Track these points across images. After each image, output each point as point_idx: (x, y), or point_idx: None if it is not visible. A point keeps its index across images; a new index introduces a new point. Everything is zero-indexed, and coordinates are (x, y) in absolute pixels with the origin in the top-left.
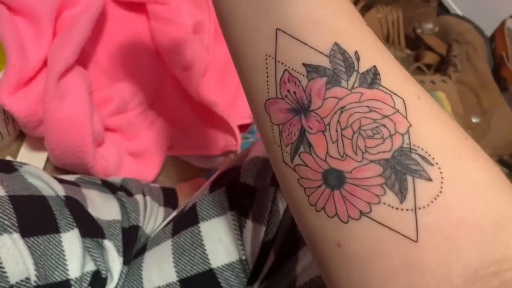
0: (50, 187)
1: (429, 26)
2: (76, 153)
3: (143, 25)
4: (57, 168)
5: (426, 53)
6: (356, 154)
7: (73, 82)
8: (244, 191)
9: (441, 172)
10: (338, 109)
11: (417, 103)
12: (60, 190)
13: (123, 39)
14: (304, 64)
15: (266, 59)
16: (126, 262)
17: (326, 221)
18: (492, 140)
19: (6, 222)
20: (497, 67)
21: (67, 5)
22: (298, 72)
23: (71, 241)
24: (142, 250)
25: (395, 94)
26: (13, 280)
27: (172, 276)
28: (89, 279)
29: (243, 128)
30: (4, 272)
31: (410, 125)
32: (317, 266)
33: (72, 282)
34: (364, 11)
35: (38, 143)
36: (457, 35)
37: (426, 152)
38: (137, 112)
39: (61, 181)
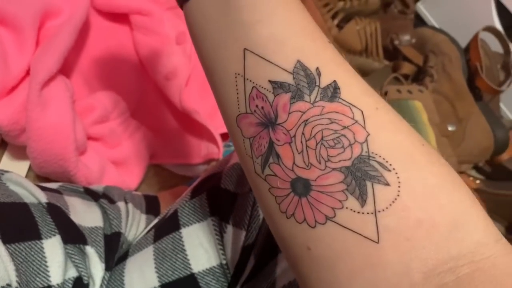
0: (32, 194)
1: (406, 37)
2: (59, 161)
3: (126, 35)
4: (39, 176)
5: (403, 64)
6: (319, 163)
7: (56, 91)
8: (224, 196)
9: (398, 177)
10: (302, 122)
11: (375, 113)
12: (42, 197)
13: (106, 49)
14: (270, 81)
15: (235, 77)
16: (108, 268)
17: (295, 226)
18: (468, 147)
19: None
20: (472, 77)
21: (50, 15)
22: (265, 89)
23: (53, 247)
24: (124, 256)
25: (354, 106)
26: None
27: (153, 281)
28: (71, 285)
29: (225, 136)
30: None
31: (368, 134)
32: (291, 269)
33: None
34: (343, 23)
35: (20, 152)
36: (433, 46)
37: (384, 159)
38: (119, 121)
39: (43, 188)
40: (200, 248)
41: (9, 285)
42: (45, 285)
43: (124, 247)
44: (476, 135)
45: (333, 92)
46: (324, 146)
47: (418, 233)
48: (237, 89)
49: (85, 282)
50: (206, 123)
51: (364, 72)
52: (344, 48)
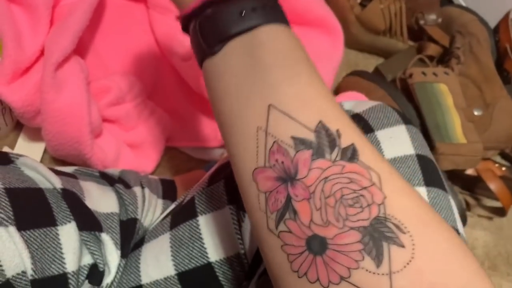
0: (47, 180)
1: (432, 17)
2: (73, 144)
3: (142, 14)
4: (55, 159)
5: (428, 45)
6: (338, 221)
7: (71, 72)
8: None
9: (412, 240)
10: (322, 179)
11: (390, 177)
12: (57, 183)
13: (121, 29)
14: (292, 137)
15: (257, 131)
16: (124, 255)
17: (307, 286)
18: (494, 133)
19: (2, 215)
20: (501, 59)
21: None
22: (286, 144)
23: (68, 234)
24: (140, 243)
25: (371, 169)
26: (9, 273)
27: (170, 270)
28: (86, 272)
29: None
30: (0, 266)
31: (385, 197)
32: None
33: (69, 276)
34: (366, 1)
35: (35, 134)
36: (461, 26)
37: (399, 221)
38: (135, 103)
39: (58, 173)
40: (217, 236)
41: (24, 272)
42: (61, 272)
43: (140, 233)
44: (504, 120)
45: (352, 153)
46: (343, 204)
47: None
48: (257, 143)
49: (101, 269)
50: None
51: (387, 53)
52: (367, 28)
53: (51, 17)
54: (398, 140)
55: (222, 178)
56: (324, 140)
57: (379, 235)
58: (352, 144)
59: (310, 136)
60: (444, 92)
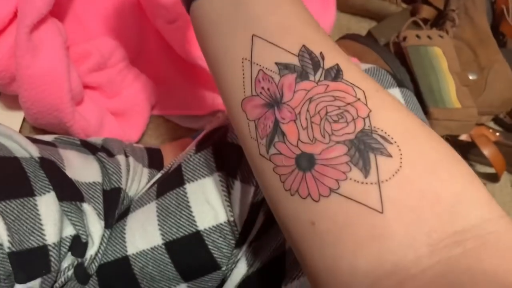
0: (23, 148)
1: None
2: (53, 112)
3: None
4: (35, 128)
5: (423, 7)
6: (324, 137)
7: (47, 35)
8: (231, 150)
9: (399, 150)
10: (307, 100)
11: (376, 94)
12: (34, 151)
13: None
14: (276, 63)
15: (242, 62)
16: (108, 225)
17: (300, 202)
18: (489, 97)
19: None
20: (496, 22)
21: None
22: (271, 71)
23: (47, 204)
24: (125, 213)
25: (356, 86)
26: None
27: (157, 239)
28: (68, 244)
29: None
30: None
31: (370, 111)
32: (293, 250)
33: (49, 248)
34: None
35: (14, 101)
36: None
37: (386, 132)
38: (118, 69)
39: (35, 141)
40: (206, 204)
41: (0, 244)
42: (40, 244)
43: (125, 203)
44: (498, 85)
45: (336, 73)
46: (328, 121)
47: (421, 204)
48: (243, 74)
49: (84, 240)
50: None
51: (380, 16)
52: None
53: None
54: None
55: (210, 145)
56: (308, 63)
57: (365, 147)
58: (336, 64)
59: (294, 60)
60: (439, 56)
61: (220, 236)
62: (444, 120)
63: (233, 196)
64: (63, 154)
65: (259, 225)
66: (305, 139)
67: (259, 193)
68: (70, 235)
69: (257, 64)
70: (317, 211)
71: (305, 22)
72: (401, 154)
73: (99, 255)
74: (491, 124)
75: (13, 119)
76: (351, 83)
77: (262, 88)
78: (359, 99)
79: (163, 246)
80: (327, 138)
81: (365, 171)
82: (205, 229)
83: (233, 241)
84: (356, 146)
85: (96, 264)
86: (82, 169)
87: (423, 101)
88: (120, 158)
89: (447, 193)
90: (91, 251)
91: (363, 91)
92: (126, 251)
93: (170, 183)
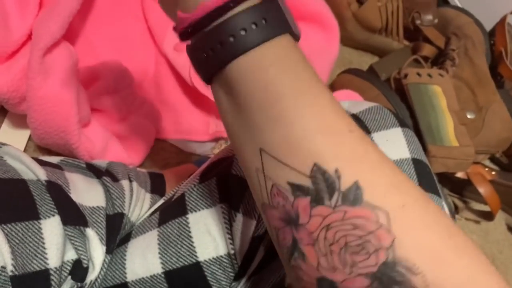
0: (31, 171)
1: (429, 17)
2: (60, 133)
3: (135, 1)
4: (40, 147)
5: (424, 45)
6: (344, 267)
7: (59, 59)
8: (235, 183)
9: (425, 280)
10: (324, 226)
11: (401, 213)
12: (42, 174)
13: (113, 15)
14: (288, 183)
15: (256, 172)
16: (109, 251)
17: None
18: (486, 137)
19: None
20: (495, 63)
21: None
22: (284, 188)
23: (51, 228)
24: (127, 238)
25: (379, 208)
26: None
27: (157, 268)
28: (69, 268)
29: None
30: None
31: (395, 238)
32: None
33: (51, 272)
34: None
35: (20, 120)
36: (456, 28)
37: (410, 262)
38: (125, 93)
39: (43, 163)
40: (207, 235)
41: (3, 268)
42: (42, 268)
43: (127, 228)
44: (496, 125)
45: (355, 196)
46: (348, 252)
47: None
48: (259, 183)
49: (85, 265)
50: None
51: (382, 52)
52: (363, 25)
53: (40, 0)
54: (394, 143)
55: (214, 176)
56: (322, 185)
57: (388, 280)
58: (355, 183)
59: (306, 182)
60: (438, 94)
61: (220, 268)
62: (442, 158)
63: (234, 228)
64: (68, 177)
65: (259, 260)
66: (325, 265)
67: (261, 227)
68: (72, 259)
69: (270, 178)
70: None
71: (315, 130)
72: (426, 286)
73: (98, 280)
74: (487, 162)
75: (19, 138)
76: (373, 205)
77: (278, 203)
78: (381, 225)
79: (163, 275)
80: (348, 269)
81: None
82: (205, 260)
83: (232, 274)
84: (379, 279)
85: None
86: (87, 193)
87: (422, 138)
88: (125, 183)
89: None
90: (91, 276)
91: (387, 213)
92: (126, 277)
93: (173, 211)
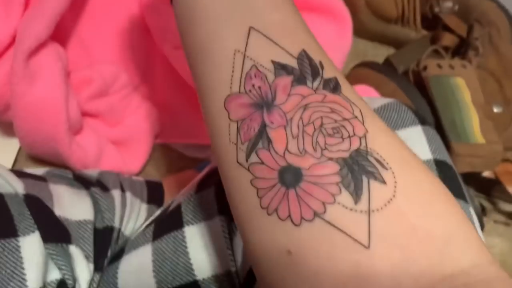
0: (9, 184)
1: (448, 4)
2: (49, 142)
3: None
4: (31, 157)
5: (444, 35)
6: (315, 150)
7: (46, 61)
8: None
9: (394, 177)
10: (301, 106)
11: (372, 115)
12: (20, 188)
13: (109, 14)
14: (272, 61)
15: (234, 54)
16: (98, 268)
17: (277, 224)
18: None
19: None
20: None
21: None
22: (265, 68)
23: (30, 246)
24: (119, 254)
25: (354, 103)
26: None
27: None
28: None
29: None
30: None
31: (367, 131)
32: (260, 281)
33: None
34: None
35: (10, 128)
36: (479, 14)
37: (381, 156)
38: (121, 95)
39: (23, 175)
40: (205, 251)
41: None
42: None
43: (120, 243)
44: None
45: (334, 85)
46: (322, 133)
47: (411, 242)
48: (233, 67)
49: (70, 286)
50: None
51: (399, 43)
52: (377, 15)
53: None
54: (413, 143)
55: (212, 184)
56: (307, 68)
57: (359, 168)
58: (335, 77)
59: (292, 62)
60: (461, 87)
61: (220, 287)
62: (467, 157)
63: (235, 243)
64: (53, 189)
65: None
66: (294, 149)
67: None
68: (56, 279)
69: (250, 58)
70: (296, 237)
71: (306, 29)
72: (395, 182)
73: None
74: None
75: (9, 147)
76: (349, 99)
77: (253, 85)
78: (356, 116)
79: None
80: (318, 152)
81: (356, 196)
82: (203, 279)
83: None
84: (350, 166)
85: None
86: (73, 206)
87: (445, 135)
88: (115, 193)
89: (440, 231)
90: None
91: (360, 110)
92: None
93: (168, 224)
